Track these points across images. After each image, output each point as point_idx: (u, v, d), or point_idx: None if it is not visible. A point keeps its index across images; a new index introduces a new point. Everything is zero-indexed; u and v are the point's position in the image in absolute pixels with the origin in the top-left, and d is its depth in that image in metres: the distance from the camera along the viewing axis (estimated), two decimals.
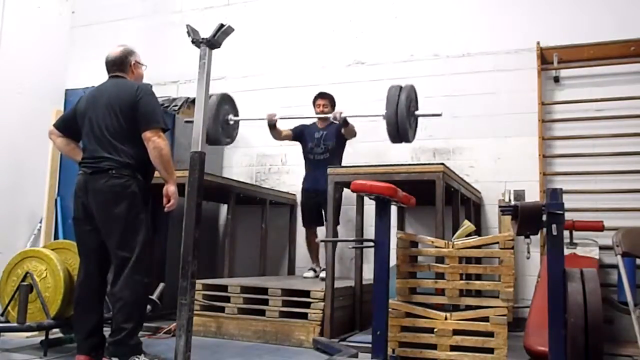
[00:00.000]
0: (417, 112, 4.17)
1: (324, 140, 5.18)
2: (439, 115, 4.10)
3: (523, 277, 5.02)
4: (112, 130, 3.15)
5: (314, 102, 5.31)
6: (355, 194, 4.27)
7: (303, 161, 5.49)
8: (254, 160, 6.07)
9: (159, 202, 3.31)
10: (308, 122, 5.39)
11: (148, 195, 3.26)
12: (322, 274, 4.70)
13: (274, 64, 6.29)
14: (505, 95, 5.35)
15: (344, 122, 4.75)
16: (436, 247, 3.41)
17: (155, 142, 3.11)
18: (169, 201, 3.21)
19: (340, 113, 4.51)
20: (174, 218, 4.79)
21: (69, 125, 3.36)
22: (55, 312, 3.45)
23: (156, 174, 3.35)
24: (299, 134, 5.32)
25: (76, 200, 3.21)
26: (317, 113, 5.24)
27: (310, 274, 5.14)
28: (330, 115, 4.69)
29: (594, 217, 4.60)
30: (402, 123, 3.75)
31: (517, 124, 5.25)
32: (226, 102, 5.09)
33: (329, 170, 4.22)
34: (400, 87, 3.99)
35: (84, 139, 3.27)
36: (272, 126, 4.94)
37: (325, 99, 5.25)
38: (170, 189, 3.20)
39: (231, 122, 5.05)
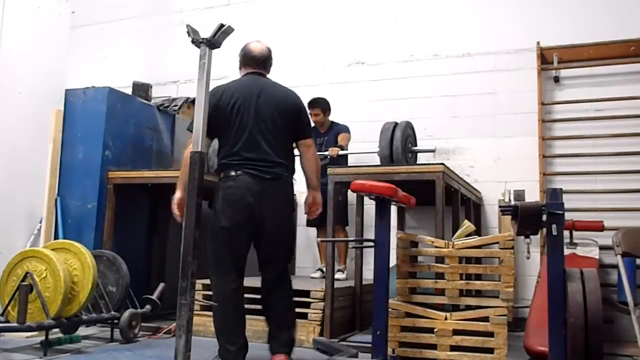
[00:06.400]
0: (414, 148, 4.51)
1: (324, 146, 5.24)
2: (433, 151, 4.76)
3: (523, 277, 5.02)
4: (280, 135, 3.09)
5: None
6: (355, 194, 4.27)
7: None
8: None
9: (162, 203, 3.28)
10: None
11: None
12: (337, 275, 4.69)
13: (274, 64, 6.26)
14: (505, 95, 5.35)
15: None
16: (436, 247, 3.41)
17: (313, 150, 3.21)
18: (314, 208, 3.27)
19: (337, 151, 4.92)
20: (173, 218, 4.77)
21: (211, 127, 2.76)
22: (55, 312, 3.45)
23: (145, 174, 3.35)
24: None
25: (241, 204, 3.00)
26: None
27: (318, 274, 5.13)
28: (327, 153, 4.98)
29: (594, 217, 4.61)
30: (397, 161, 4.29)
31: (517, 124, 5.25)
32: None
33: (329, 171, 4.23)
34: (395, 124, 4.30)
35: (241, 135, 3.02)
36: None
37: (315, 108, 5.20)
38: (318, 196, 3.27)
39: None
